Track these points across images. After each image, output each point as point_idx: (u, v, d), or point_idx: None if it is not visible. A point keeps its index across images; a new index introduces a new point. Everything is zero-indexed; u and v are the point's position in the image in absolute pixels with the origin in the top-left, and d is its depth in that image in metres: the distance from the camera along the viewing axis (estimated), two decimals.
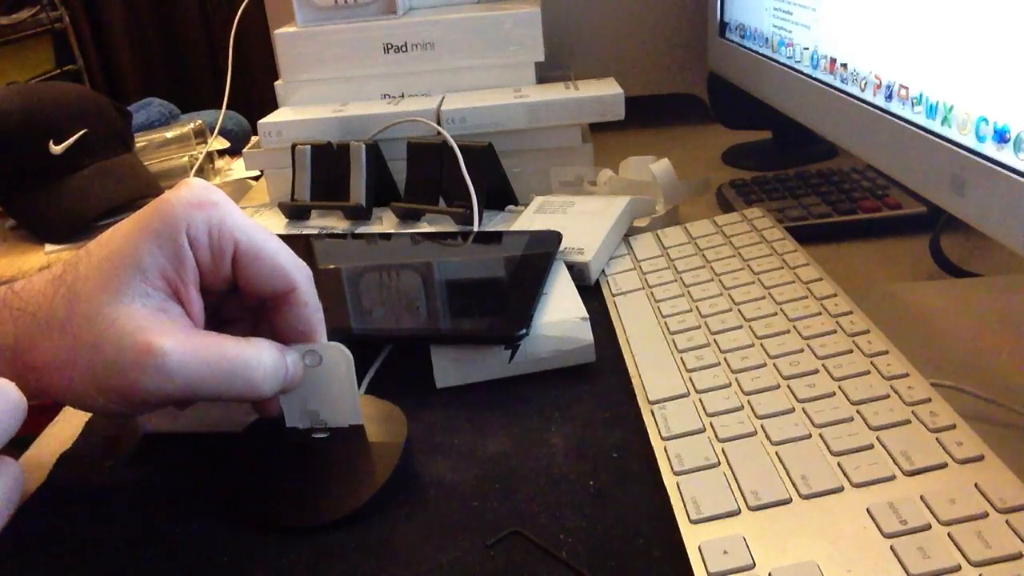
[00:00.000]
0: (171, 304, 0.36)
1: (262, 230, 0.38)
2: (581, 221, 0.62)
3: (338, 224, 0.71)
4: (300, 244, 0.63)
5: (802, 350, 0.45)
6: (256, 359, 0.36)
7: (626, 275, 0.59)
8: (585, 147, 0.75)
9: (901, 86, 0.50)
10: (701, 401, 0.42)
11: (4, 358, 0.34)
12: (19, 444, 0.35)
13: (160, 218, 0.35)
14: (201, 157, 1.15)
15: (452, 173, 0.67)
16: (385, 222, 0.70)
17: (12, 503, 0.29)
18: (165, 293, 0.35)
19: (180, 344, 0.34)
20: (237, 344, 0.36)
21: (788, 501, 0.35)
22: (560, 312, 0.50)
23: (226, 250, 0.36)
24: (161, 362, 0.33)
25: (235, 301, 0.40)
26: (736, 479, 0.37)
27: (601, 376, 0.48)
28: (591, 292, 0.57)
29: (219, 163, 1.22)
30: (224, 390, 0.35)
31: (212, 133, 1.17)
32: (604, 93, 0.73)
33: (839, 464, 0.36)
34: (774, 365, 0.44)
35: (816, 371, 0.43)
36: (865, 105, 0.54)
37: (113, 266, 0.34)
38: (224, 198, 0.37)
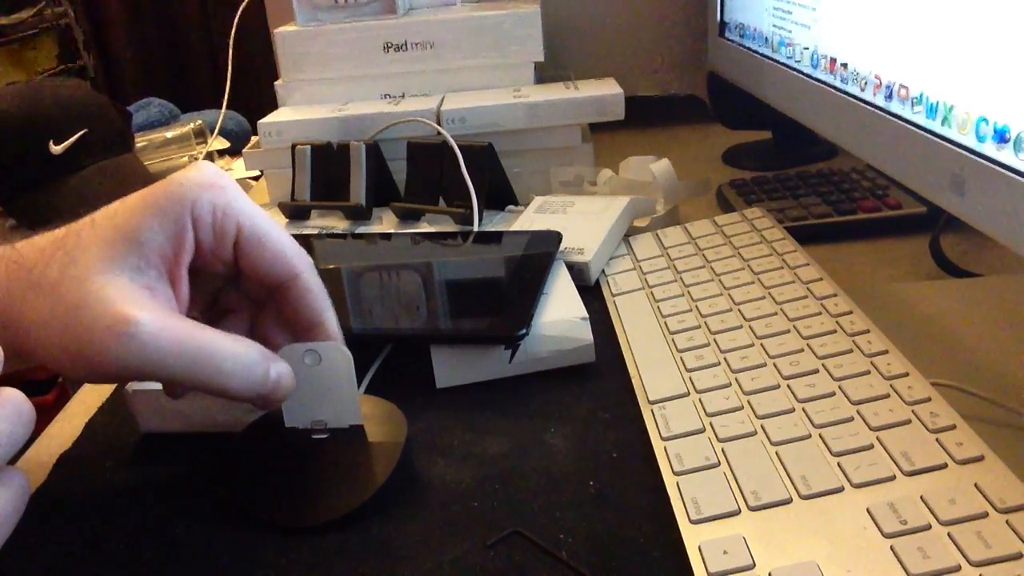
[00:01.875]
0: (161, 284, 0.36)
1: (267, 217, 0.38)
2: (581, 221, 0.62)
3: (338, 224, 0.71)
4: (300, 244, 0.63)
5: (802, 350, 0.45)
6: (228, 352, 0.35)
7: (626, 275, 0.59)
8: (585, 147, 0.75)
9: (901, 86, 0.50)
10: (701, 401, 0.42)
11: None
12: None
13: (167, 195, 0.36)
14: (201, 157, 1.15)
15: (452, 173, 0.67)
16: (385, 222, 0.70)
17: (18, 512, 0.29)
18: (158, 271, 0.36)
19: (155, 321, 0.34)
20: (214, 335, 0.35)
21: (788, 501, 0.35)
22: (560, 312, 0.50)
23: (229, 233, 0.37)
24: (133, 332, 0.33)
25: (235, 291, 0.40)
26: (736, 479, 0.37)
27: (601, 376, 0.48)
28: (591, 292, 0.57)
29: (219, 163, 1.22)
30: (190, 376, 0.35)
31: (212, 133, 1.17)
32: (604, 93, 0.73)
33: (839, 464, 0.36)
34: (774, 365, 0.44)
35: (816, 371, 0.43)
36: (865, 105, 0.54)
37: (113, 237, 0.35)
38: (232, 183, 0.38)
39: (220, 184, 0.37)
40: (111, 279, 0.34)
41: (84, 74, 2.57)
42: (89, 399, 0.51)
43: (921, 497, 0.33)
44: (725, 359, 0.46)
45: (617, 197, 0.66)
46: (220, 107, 1.04)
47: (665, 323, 0.51)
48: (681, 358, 0.47)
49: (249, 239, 0.37)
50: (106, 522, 0.40)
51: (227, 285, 0.40)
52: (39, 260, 0.35)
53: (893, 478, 0.35)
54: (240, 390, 0.36)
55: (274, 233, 0.38)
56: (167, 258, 0.36)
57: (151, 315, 0.34)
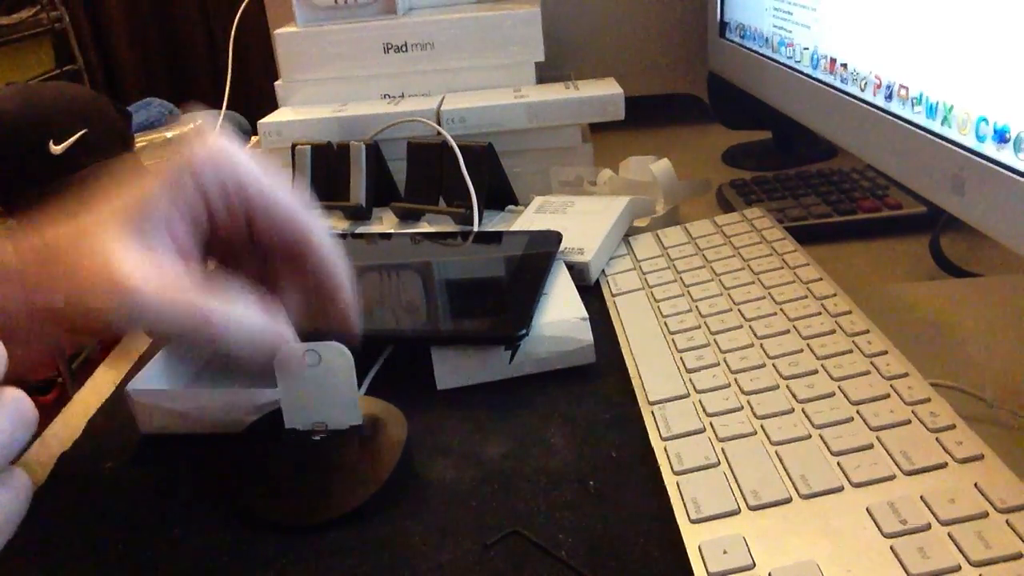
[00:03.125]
0: (168, 252, 0.36)
1: (275, 181, 0.38)
2: (581, 221, 0.62)
3: (338, 224, 0.71)
4: None
5: (802, 350, 0.45)
6: (226, 317, 0.36)
7: (626, 275, 0.59)
8: (585, 147, 0.75)
9: (901, 86, 0.50)
10: (701, 401, 0.42)
11: (13, 280, 0.35)
12: None
13: (175, 171, 0.36)
14: None
15: (452, 173, 0.67)
16: (385, 222, 0.70)
17: (21, 514, 0.29)
18: (165, 241, 0.36)
19: (153, 284, 0.34)
20: (214, 300, 0.36)
21: (788, 501, 0.35)
22: (560, 312, 0.50)
23: (239, 205, 0.37)
24: (131, 297, 0.33)
25: (254, 261, 0.40)
26: (736, 479, 0.37)
27: (601, 376, 0.48)
28: (591, 292, 0.57)
29: None
30: (192, 339, 0.35)
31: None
32: (604, 93, 0.73)
33: (839, 464, 0.36)
34: (774, 365, 0.44)
35: (816, 371, 0.43)
36: (865, 105, 0.54)
37: (121, 205, 0.35)
38: (240, 153, 0.38)
39: (228, 153, 0.37)
40: (115, 244, 0.34)
41: (80, 77, 2.57)
42: (89, 399, 0.51)
43: (921, 497, 0.33)
44: (725, 359, 0.46)
45: (617, 197, 0.66)
46: (220, 107, 1.04)
47: (665, 323, 0.51)
48: (681, 358, 0.47)
49: (259, 207, 0.37)
50: (106, 522, 0.40)
51: (246, 254, 0.40)
52: (54, 235, 0.35)
53: (893, 478, 0.35)
54: (242, 347, 0.37)
55: (283, 195, 0.38)
56: (177, 234, 0.36)
57: (150, 279, 0.34)
